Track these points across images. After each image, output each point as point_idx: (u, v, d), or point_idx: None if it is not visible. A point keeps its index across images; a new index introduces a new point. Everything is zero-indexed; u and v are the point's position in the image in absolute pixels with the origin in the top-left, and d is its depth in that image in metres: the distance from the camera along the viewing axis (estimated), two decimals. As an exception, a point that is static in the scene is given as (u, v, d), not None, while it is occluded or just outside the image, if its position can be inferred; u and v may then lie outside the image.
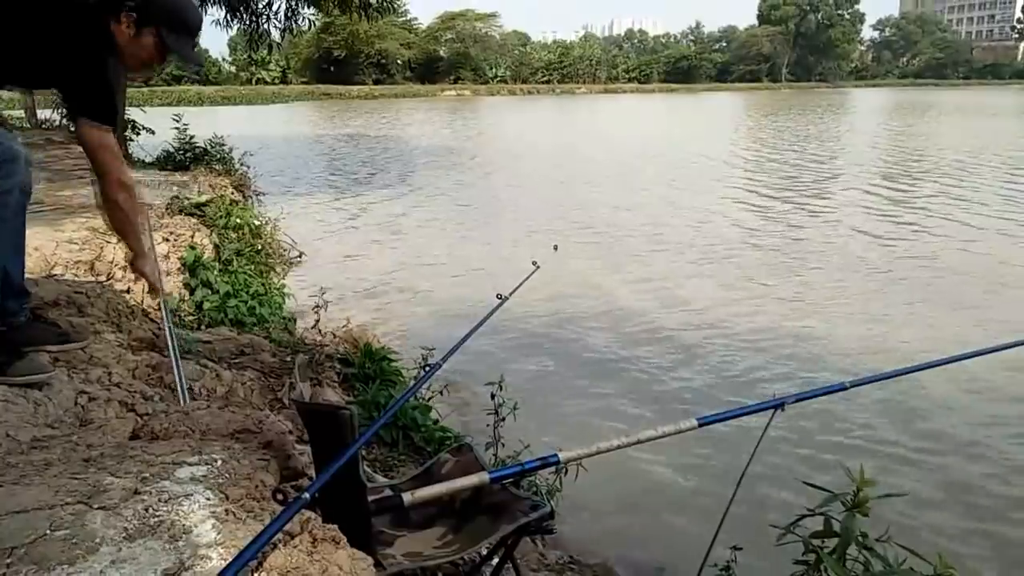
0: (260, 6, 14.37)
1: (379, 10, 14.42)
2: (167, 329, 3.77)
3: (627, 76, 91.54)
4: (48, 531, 1.62)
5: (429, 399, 4.88)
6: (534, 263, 3.59)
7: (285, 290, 7.97)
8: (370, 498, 2.08)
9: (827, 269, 9.84)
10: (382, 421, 2.37)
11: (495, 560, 2.54)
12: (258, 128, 33.47)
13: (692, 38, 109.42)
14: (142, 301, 5.17)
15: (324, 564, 1.68)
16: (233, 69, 77.46)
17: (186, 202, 7.79)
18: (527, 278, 3.52)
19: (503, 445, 4.06)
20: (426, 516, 2.31)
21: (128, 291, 5.25)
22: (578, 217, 13.66)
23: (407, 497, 2.15)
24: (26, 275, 2.87)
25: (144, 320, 4.75)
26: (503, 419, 4.06)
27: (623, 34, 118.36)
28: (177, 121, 12.16)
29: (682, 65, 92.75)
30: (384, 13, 14.98)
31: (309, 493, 1.46)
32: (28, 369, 2.55)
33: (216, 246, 7.13)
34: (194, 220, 7.41)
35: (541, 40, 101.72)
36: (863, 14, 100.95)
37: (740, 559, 2.91)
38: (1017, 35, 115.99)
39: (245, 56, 70.40)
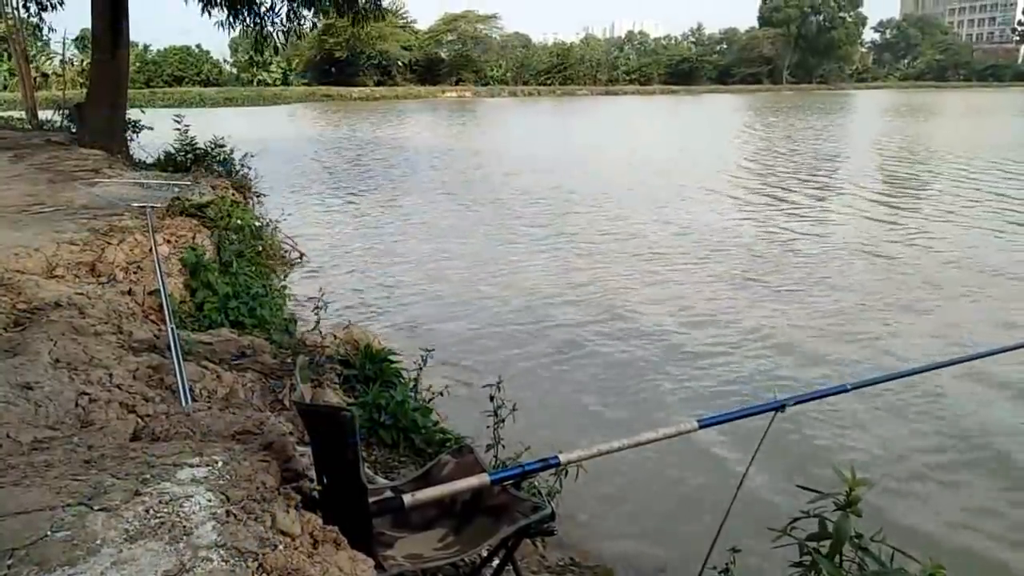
0: (263, 9, 14.38)
1: (367, 14, 14.37)
2: (169, 330, 3.78)
3: (628, 78, 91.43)
4: (49, 532, 1.62)
5: (430, 401, 4.88)
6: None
7: (286, 291, 7.98)
8: (371, 500, 2.08)
9: (829, 270, 9.83)
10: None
11: (495, 561, 2.54)
12: (259, 129, 33.50)
13: (693, 40, 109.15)
14: (143, 302, 5.17)
15: (325, 566, 1.68)
16: (234, 70, 77.41)
17: (187, 203, 7.78)
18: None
19: (503, 447, 4.06)
20: (427, 517, 2.31)
21: (129, 292, 5.25)
22: (579, 219, 13.66)
23: (408, 499, 2.15)
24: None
25: (145, 322, 4.75)
26: (503, 420, 4.05)
27: (624, 36, 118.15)
28: (178, 122, 12.14)
29: (683, 67, 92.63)
30: (375, 18, 14.91)
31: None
32: None
33: (217, 247, 7.13)
34: (195, 221, 7.41)
35: (542, 42, 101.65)
36: (865, 16, 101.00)
37: (739, 561, 2.91)
38: (1018, 37, 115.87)
39: (246, 57, 70.43)
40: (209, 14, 13.91)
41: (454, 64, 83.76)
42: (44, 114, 20.17)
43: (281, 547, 1.67)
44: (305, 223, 13.24)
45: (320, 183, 19.03)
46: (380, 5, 14.55)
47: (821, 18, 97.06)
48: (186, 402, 3.08)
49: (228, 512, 1.75)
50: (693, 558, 2.77)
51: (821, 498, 2.16)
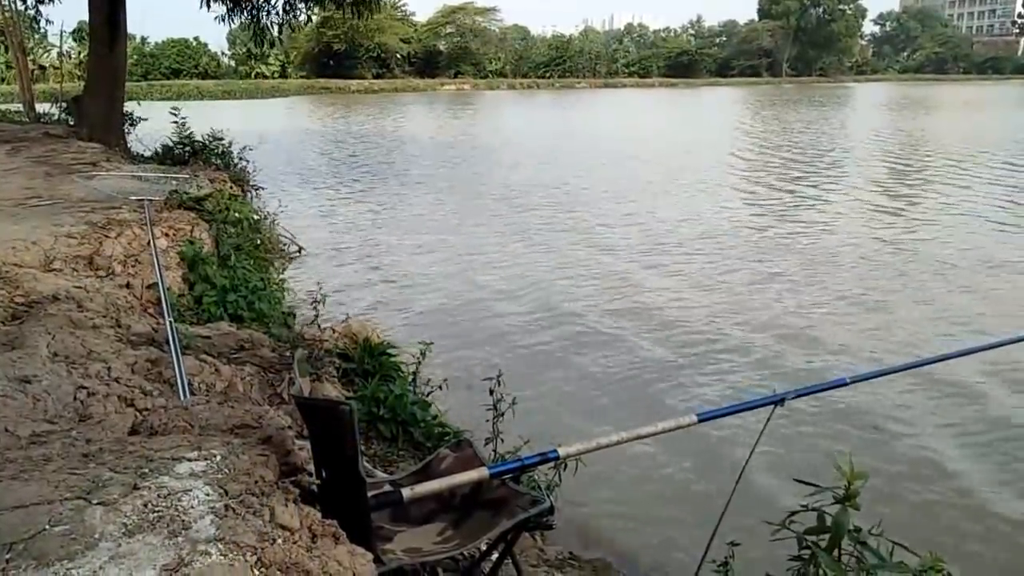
0: (259, 1, 14.32)
1: (369, 8, 14.30)
2: (167, 324, 3.77)
3: (627, 71, 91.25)
4: (47, 526, 1.62)
5: (429, 394, 4.88)
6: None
7: (284, 284, 7.97)
8: (370, 493, 2.08)
9: (828, 263, 9.83)
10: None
11: (495, 555, 2.54)
12: (257, 122, 33.40)
13: (692, 32, 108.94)
14: (141, 296, 5.16)
15: (324, 559, 1.68)
16: (232, 63, 77.13)
17: (185, 196, 7.77)
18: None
19: (502, 440, 4.06)
20: (426, 511, 2.31)
21: (128, 286, 5.24)
22: (577, 214, 13.65)
23: (407, 492, 2.15)
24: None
25: (143, 315, 4.75)
26: (502, 414, 4.06)
27: (623, 28, 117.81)
28: (175, 115, 12.11)
29: (682, 59, 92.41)
30: (372, 11, 14.83)
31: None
32: None
33: (215, 240, 7.12)
34: (193, 214, 7.39)
35: (541, 34, 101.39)
36: (865, 9, 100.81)
37: (738, 554, 2.91)
38: (1018, 30, 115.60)
39: (244, 50, 70.22)
40: (208, 7, 13.86)
41: (453, 57, 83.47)
42: (42, 107, 20.10)
43: (280, 541, 1.67)
44: (303, 216, 13.22)
45: (317, 176, 19.00)
46: None
47: (821, 10, 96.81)
48: (184, 396, 3.08)
49: (227, 506, 1.75)
50: (692, 552, 2.78)
51: (820, 492, 2.16)
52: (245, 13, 14.37)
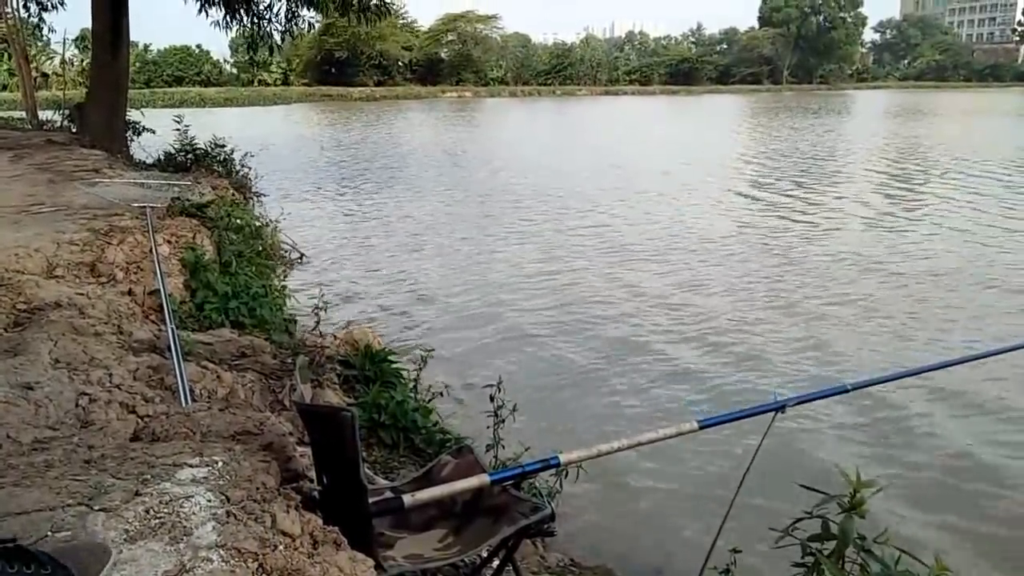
0: (260, 8, 14.35)
1: (377, 13, 14.33)
2: (169, 331, 3.78)
3: (628, 78, 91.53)
4: (49, 532, 1.62)
5: (429, 401, 4.88)
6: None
7: (285, 291, 7.97)
8: (371, 500, 2.08)
9: (829, 270, 9.83)
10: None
11: (495, 562, 2.54)
12: (259, 130, 33.47)
13: (693, 40, 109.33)
14: (143, 303, 5.17)
15: (325, 566, 1.68)
16: (234, 71, 77.34)
17: (187, 203, 7.78)
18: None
19: (503, 447, 4.06)
20: (427, 518, 2.31)
21: (130, 292, 5.25)
22: (578, 220, 13.66)
23: (408, 499, 2.15)
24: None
25: (145, 322, 4.75)
26: (503, 421, 4.05)
27: (624, 36, 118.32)
28: (178, 122, 12.15)
29: (683, 67, 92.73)
30: (381, 16, 14.85)
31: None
32: None
33: (217, 247, 7.13)
34: (195, 221, 7.40)
35: (542, 42, 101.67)
36: (865, 17, 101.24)
37: (740, 561, 2.90)
38: (1018, 38, 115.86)
39: (246, 58, 70.31)
40: (206, 14, 13.89)
41: (454, 64, 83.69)
42: (44, 114, 20.17)
43: (281, 547, 1.67)
44: (305, 223, 13.24)
45: (320, 183, 19.03)
46: (386, 2, 14.47)
47: (821, 18, 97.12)
48: (186, 402, 3.08)
49: (228, 512, 1.75)
50: (693, 559, 2.77)
51: (827, 501, 2.16)
52: (246, 19, 14.39)
